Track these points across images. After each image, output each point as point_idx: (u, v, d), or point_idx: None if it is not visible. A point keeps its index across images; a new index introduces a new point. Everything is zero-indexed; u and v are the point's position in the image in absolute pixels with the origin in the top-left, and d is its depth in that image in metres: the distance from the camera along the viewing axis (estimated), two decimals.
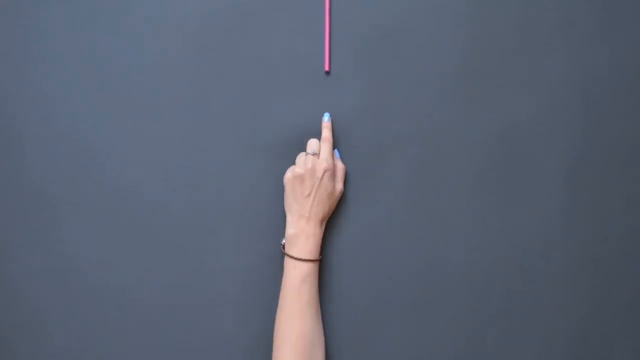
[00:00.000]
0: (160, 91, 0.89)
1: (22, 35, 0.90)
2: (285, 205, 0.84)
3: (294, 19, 0.90)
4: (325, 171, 0.82)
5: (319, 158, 0.83)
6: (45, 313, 0.86)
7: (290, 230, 0.81)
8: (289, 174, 0.83)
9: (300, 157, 0.85)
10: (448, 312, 0.86)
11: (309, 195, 0.81)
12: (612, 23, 0.89)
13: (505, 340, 0.86)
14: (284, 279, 0.80)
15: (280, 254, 0.86)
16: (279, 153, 0.88)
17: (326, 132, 0.86)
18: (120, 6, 0.90)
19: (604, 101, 0.89)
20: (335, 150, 0.87)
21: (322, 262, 0.86)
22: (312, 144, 0.85)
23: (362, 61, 0.89)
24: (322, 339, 0.80)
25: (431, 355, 0.86)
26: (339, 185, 0.84)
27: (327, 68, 0.88)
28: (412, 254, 0.87)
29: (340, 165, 0.85)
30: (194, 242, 0.87)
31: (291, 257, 0.80)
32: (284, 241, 0.83)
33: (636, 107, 0.89)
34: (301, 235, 0.81)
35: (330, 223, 0.87)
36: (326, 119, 0.85)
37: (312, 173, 0.82)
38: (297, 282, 0.79)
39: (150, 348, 0.86)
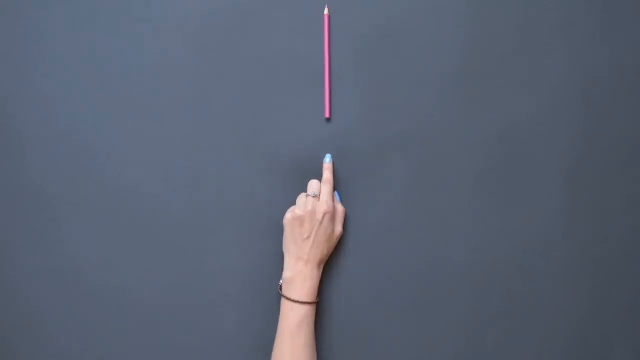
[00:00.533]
0: (160, 91, 0.89)
1: (22, 35, 0.90)
2: (283, 246, 0.84)
3: (294, 19, 0.90)
4: (325, 214, 0.81)
5: (319, 200, 0.83)
6: (45, 313, 0.86)
7: (287, 272, 0.81)
8: (288, 215, 0.83)
9: (300, 199, 0.84)
10: (448, 312, 0.86)
11: (307, 237, 0.81)
12: (612, 23, 0.89)
13: (505, 340, 0.86)
14: (280, 321, 0.80)
15: (280, 254, 0.86)
16: (279, 152, 0.88)
17: (327, 174, 0.85)
18: (120, 6, 0.90)
19: (604, 101, 0.89)
20: (335, 192, 0.87)
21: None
22: (312, 185, 0.84)
23: (362, 61, 0.89)
24: None
25: (431, 355, 0.86)
26: (338, 228, 0.84)
27: (327, 115, 0.87)
28: (412, 254, 0.87)
29: (339, 208, 0.85)
30: (194, 242, 0.87)
31: (288, 299, 0.79)
32: (281, 282, 0.83)
33: (636, 107, 0.89)
34: (298, 277, 0.80)
35: None
36: (327, 160, 0.85)
37: (312, 215, 0.81)
38: (294, 324, 0.78)
39: (150, 348, 0.86)
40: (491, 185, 0.88)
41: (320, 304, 0.86)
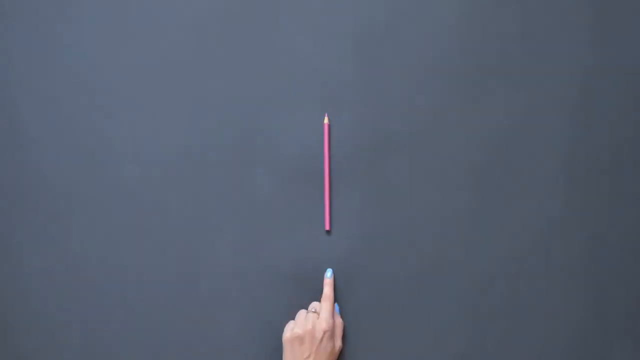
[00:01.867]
0: (161, 91, 0.89)
1: (23, 36, 0.90)
2: None
3: (294, 19, 0.90)
4: (325, 332, 0.80)
5: (319, 317, 0.82)
6: (46, 313, 0.86)
7: None
8: (288, 334, 0.81)
9: (300, 315, 0.83)
10: (448, 312, 0.86)
11: (308, 357, 0.80)
12: (612, 23, 0.89)
13: (505, 340, 0.86)
14: None
15: (279, 253, 0.86)
16: (279, 153, 0.88)
17: (327, 290, 0.84)
18: (120, 6, 0.90)
19: (603, 101, 0.89)
20: (336, 305, 0.86)
21: (321, 262, 0.87)
22: (313, 305, 0.84)
23: (361, 61, 0.89)
24: None
25: (431, 355, 0.86)
26: (338, 343, 0.83)
27: (327, 227, 0.87)
28: (412, 254, 0.87)
29: (338, 322, 0.84)
30: (194, 242, 0.87)
31: None
32: None
33: (636, 107, 0.89)
34: None
35: (334, 221, 0.87)
36: (329, 275, 0.84)
37: (312, 334, 0.80)
38: None
39: (151, 348, 0.86)
40: (491, 185, 0.88)
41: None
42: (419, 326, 0.86)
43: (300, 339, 0.80)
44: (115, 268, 0.87)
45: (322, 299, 0.84)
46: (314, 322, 0.81)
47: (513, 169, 0.88)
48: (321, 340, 0.80)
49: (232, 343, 0.86)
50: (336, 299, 0.86)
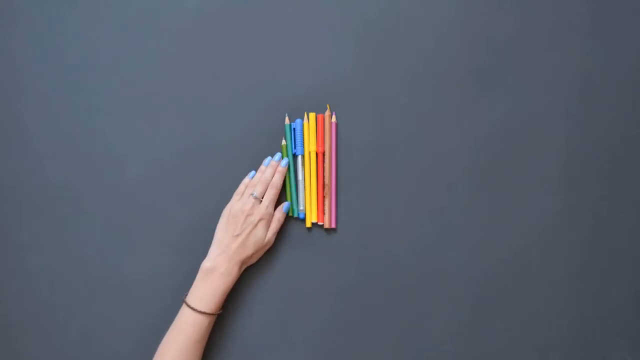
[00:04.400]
0: (161, 91, 0.89)
1: (25, 36, 0.90)
2: (215, 234, 0.84)
3: (296, 19, 0.90)
4: (261, 220, 0.83)
5: (260, 203, 0.84)
6: (46, 313, 0.87)
7: (207, 262, 0.82)
8: (226, 210, 0.84)
9: (245, 194, 0.84)
10: (448, 312, 0.86)
11: (238, 235, 0.82)
12: (612, 23, 0.89)
13: (505, 340, 0.86)
14: (177, 327, 0.79)
15: (288, 250, 0.87)
16: (278, 152, 0.88)
17: (278, 178, 0.85)
18: (120, 6, 0.90)
19: (603, 101, 0.89)
20: (286, 203, 0.86)
21: (322, 261, 0.87)
22: (261, 184, 0.84)
23: (361, 61, 0.89)
24: None
25: (431, 355, 0.86)
26: (269, 236, 0.84)
27: (334, 225, 0.87)
28: (411, 254, 0.87)
29: (277, 216, 0.85)
30: (194, 242, 0.87)
31: (191, 308, 0.79)
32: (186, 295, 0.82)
33: (636, 107, 0.89)
34: (216, 271, 0.81)
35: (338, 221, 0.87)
36: (283, 163, 0.85)
37: (249, 217, 0.82)
38: (192, 338, 0.79)
39: (151, 348, 0.86)
40: (490, 185, 0.88)
41: (314, 301, 0.86)
42: (419, 326, 0.86)
43: (235, 218, 0.83)
44: (115, 268, 0.87)
45: (270, 186, 0.85)
46: (253, 207, 0.83)
47: (514, 169, 0.88)
48: (255, 225, 0.82)
49: (234, 342, 0.86)
50: (340, 296, 0.86)
